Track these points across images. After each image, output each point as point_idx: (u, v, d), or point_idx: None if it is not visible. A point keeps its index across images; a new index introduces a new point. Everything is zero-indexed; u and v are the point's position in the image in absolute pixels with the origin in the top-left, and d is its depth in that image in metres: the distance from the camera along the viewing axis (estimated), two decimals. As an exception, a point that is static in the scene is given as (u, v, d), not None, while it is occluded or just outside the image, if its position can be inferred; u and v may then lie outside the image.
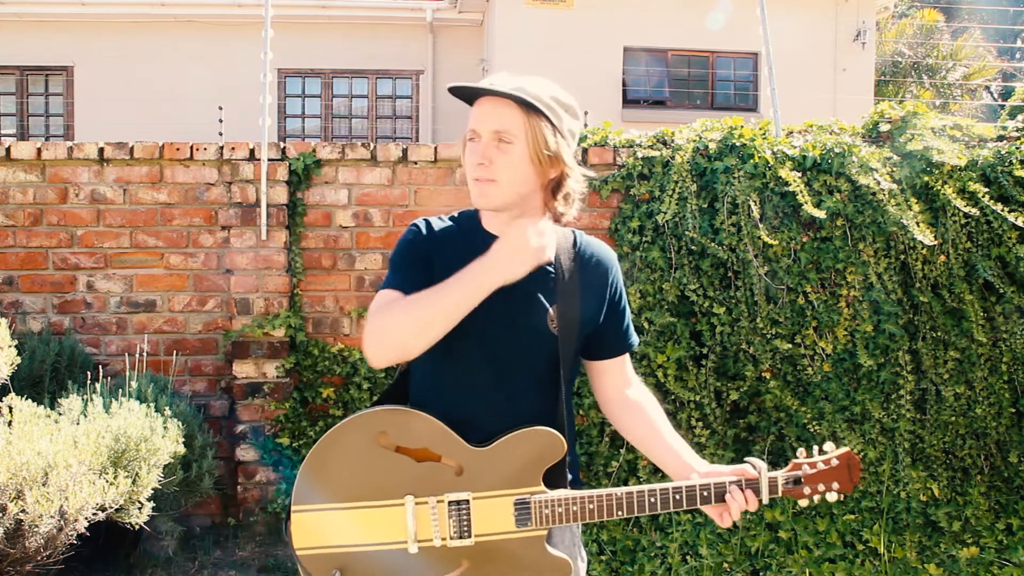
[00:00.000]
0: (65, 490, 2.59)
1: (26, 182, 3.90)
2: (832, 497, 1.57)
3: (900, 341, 3.75)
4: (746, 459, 1.60)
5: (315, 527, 1.51)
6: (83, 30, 10.05)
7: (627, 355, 1.73)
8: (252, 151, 3.89)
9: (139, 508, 2.88)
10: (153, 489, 2.93)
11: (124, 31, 10.08)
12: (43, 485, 2.56)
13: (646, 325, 3.77)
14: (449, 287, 1.47)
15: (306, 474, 1.51)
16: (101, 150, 3.89)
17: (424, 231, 1.62)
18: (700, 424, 3.75)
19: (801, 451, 1.60)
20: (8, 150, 3.86)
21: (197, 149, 3.90)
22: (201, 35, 10.09)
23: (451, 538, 1.50)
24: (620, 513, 1.51)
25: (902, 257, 3.81)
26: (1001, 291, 3.79)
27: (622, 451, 3.78)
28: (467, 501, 1.50)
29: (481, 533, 1.50)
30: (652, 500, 1.51)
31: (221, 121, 5.93)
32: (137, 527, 2.91)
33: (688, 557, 3.55)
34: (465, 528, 1.50)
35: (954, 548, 3.66)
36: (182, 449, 3.17)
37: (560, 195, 1.61)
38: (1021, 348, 3.83)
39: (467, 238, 1.59)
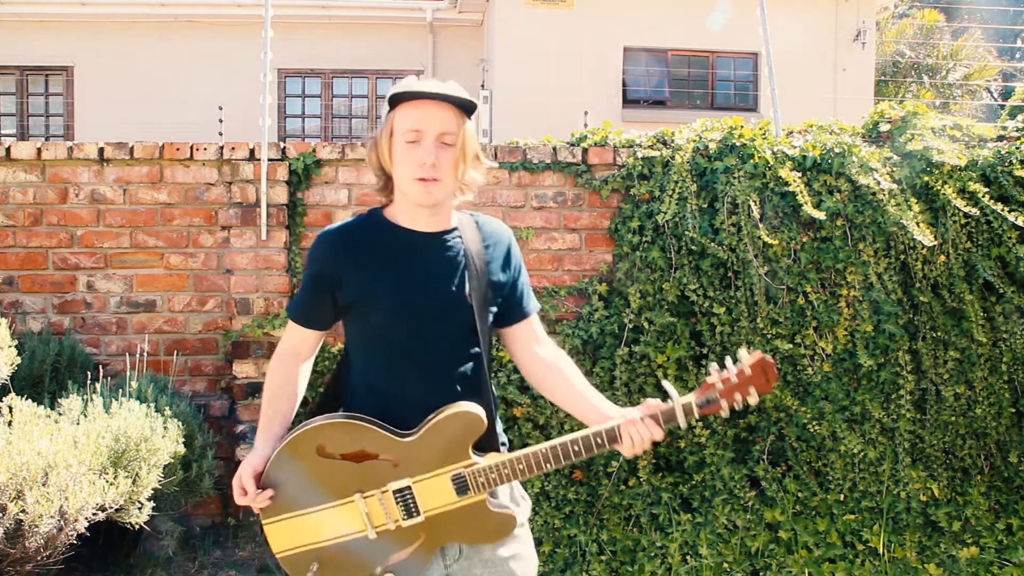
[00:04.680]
0: (65, 490, 2.59)
1: (26, 182, 3.90)
2: (752, 400, 1.67)
3: (900, 341, 3.75)
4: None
5: (286, 533, 1.73)
6: (83, 30, 10.05)
7: (535, 318, 1.90)
8: (252, 151, 3.89)
9: (139, 508, 2.88)
10: (153, 489, 2.93)
11: (124, 31, 10.08)
12: (43, 485, 2.56)
13: (646, 325, 3.77)
14: (264, 407, 1.81)
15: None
16: (101, 150, 3.89)
17: (331, 247, 1.76)
18: (700, 424, 3.75)
19: (712, 366, 1.69)
20: (8, 150, 3.86)
21: (197, 149, 3.90)
22: (201, 35, 10.09)
23: (403, 519, 1.70)
24: (549, 466, 1.68)
25: (902, 257, 3.81)
26: (1001, 291, 3.79)
27: (622, 451, 3.78)
28: (409, 487, 1.69)
29: (429, 509, 1.70)
30: (576, 448, 1.68)
31: (221, 121, 5.94)
32: (137, 527, 2.91)
33: (688, 557, 3.55)
34: (413, 509, 1.70)
35: (954, 548, 3.66)
36: (182, 449, 3.17)
37: (463, 185, 1.77)
38: (1021, 348, 3.83)
39: (385, 237, 1.75)
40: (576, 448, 1.67)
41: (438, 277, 1.74)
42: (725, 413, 1.68)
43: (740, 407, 1.67)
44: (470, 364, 1.76)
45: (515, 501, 1.83)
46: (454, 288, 1.74)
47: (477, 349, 1.76)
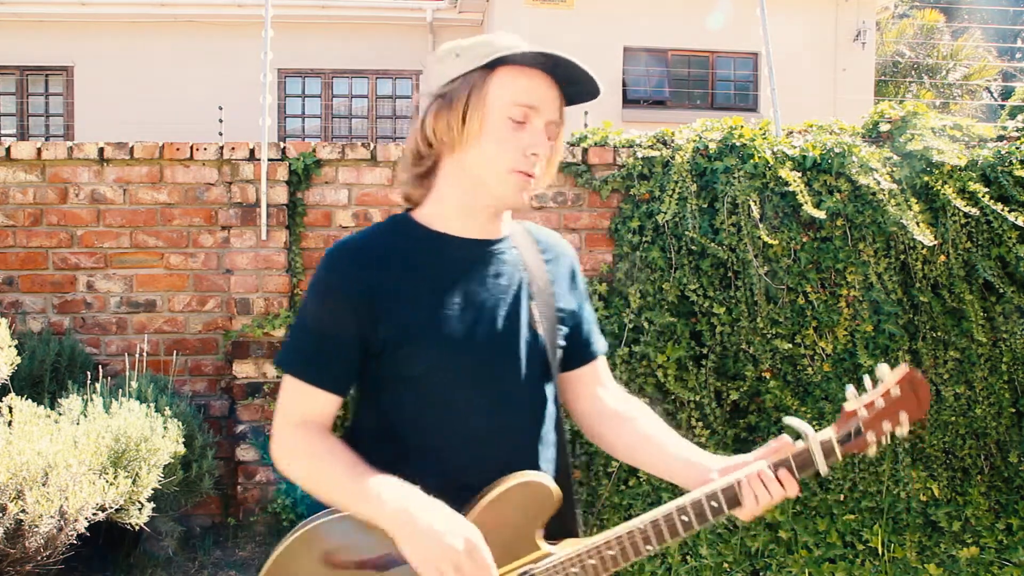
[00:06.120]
0: (65, 490, 2.59)
1: (26, 182, 3.90)
2: (902, 431, 1.30)
3: (900, 341, 3.75)
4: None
5: None
6: (83, 30, 10.04)
7: (603, 360, 1.49)
8: (252, 151, 3.89)
9: (139, 508, 2.88)
10: (153, 489, 2.93)
11: (124, 31, 10.08)
12: (43, 485, 2.56)
13: (646, 325, 3.77)
14: (350, 489, 1.19)
15: None
16: (101, 150, 3.88)
17: (356, 264, 1.26)
18: (700, 424, 3.75)
19: (850, 389, 1.34)
20: (8, 150, 3.86)
21: (197, 149, 3.90)
22: (201, 35, 10.09)
23: None
24: (649, 548, 1.24)
25: (902, 257, 3.81)
26: (1001, 291, 3.79)
27: (622, 451, 3.78)
28: None
29: None
30: (685, 519, 1.24)
31: (221, 121, 5.92)
32: (137, 527, 2.91)
33: (688, 557, 3.55)
34: None
35: (954, 548, 3.66)
36: (182, 449, 3.17)
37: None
38: (1021, 348, 3.83)
39: (425, 249, 1.29)
40: (686, 519, 1.23)
41: (500, 301, 1.29)
42: (872, 451, 1.31)
43: (888, 440, 1.31)
44: (546, 417, 1.34)
45: None
46: (522, 315, 1.31)
47: (552, 396, 1.35)
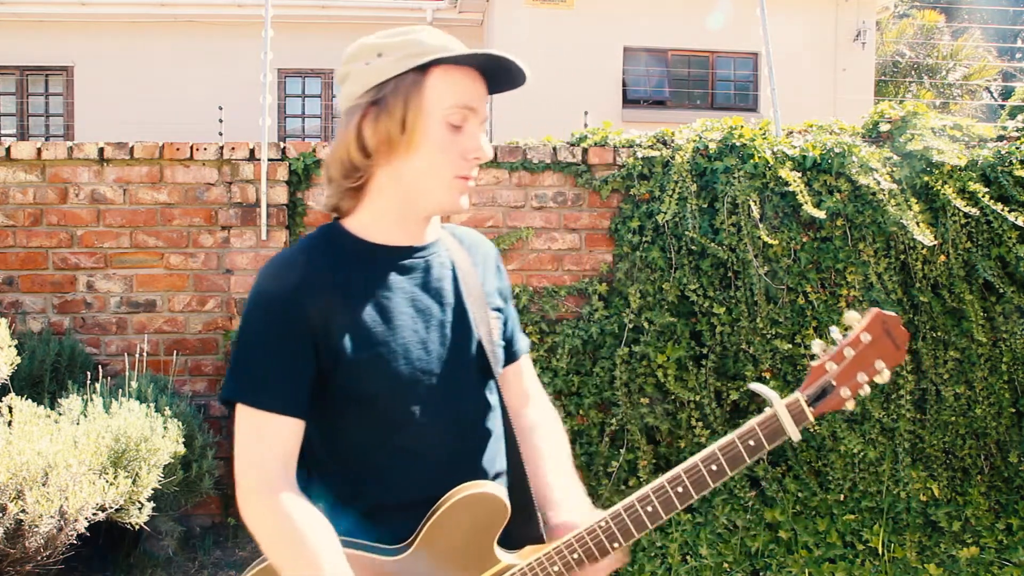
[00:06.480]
0: (65, 490, 2.59)
1: (26, 182, 3.90)
2: (882, 379, 1.22)
3: (900, 341, 3.75)
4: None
5: None
6: (83, 30, 10.04)
7: (526, 360, 1.43)
8: (252, 151, 3.89)
9: (139, 508, 2.88)
10: (153, 489, 2.93)
11: (124, 31, 10.08)
12: (43, 485, 2.56)
13: (646, 325, 3.77)
14: (308, 564, 1.09)
15: None
16: (101, 150, 3.89)
17: (304, 277, 1.18)
18: (700, 424, 3.75)
19: (816, 344, 1.25)
20: (8, 150, 3.86)
21: (197, 149, 3.90)
22: (201, 35, 10.09)
23: None
24: (615, 545, 1.21)
25: (902, 257, 3.82)
26: (1001, 291, 3.79)
27: (622, 451, 3.78)
28: None
29: None
30: (649, 509, 1.21)
31: (221, 121, 5.92)
32: (137, 527, 2.91)
33: (688, 557, 3.55)
34: None
35: (954, 548, 3.66)
36: (182, 449, 3.17)
37: None
38: (1021, 348, 3.83)
39: (364, 261, 1.22)
40: (650, 509, 1.21)
41: (445, 307, 1.25)
42: (851, 407, 1.23)
43: (867, 393, 1.22)
44: (497, 418, 1.30)
45: None
46: (468, 319, 1.27)
47: (497, 394, 1.31)
